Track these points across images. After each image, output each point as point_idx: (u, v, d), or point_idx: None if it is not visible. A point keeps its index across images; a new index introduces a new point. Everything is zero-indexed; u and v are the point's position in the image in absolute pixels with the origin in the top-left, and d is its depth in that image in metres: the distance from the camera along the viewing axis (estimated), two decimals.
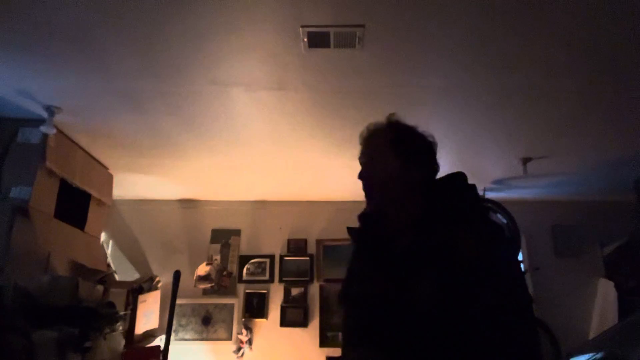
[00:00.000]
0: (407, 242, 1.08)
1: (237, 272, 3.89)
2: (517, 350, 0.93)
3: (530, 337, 0.97)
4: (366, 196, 1.20)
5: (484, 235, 1.04)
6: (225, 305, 3.79)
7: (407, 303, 1.01)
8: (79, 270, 2.78)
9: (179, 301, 3.03)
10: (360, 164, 1.22)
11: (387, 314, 1.05)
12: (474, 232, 1.03)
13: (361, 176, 1.20)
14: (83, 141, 2.82)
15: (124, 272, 3.70)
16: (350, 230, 1.22)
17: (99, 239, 3.23)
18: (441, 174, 1.21)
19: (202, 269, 3.66)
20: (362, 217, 1.23)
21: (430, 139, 1.20)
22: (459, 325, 0.94)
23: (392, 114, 1.23)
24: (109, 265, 3.40)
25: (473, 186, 1.15)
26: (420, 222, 1.10)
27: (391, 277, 1.09)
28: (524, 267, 3.73)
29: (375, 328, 1.07)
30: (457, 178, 1.16)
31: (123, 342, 2.88)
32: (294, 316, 3.74)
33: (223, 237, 3.99)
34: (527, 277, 3.76)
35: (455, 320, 0.94)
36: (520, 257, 3.67)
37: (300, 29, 1.75)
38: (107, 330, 2.55)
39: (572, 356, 2.72)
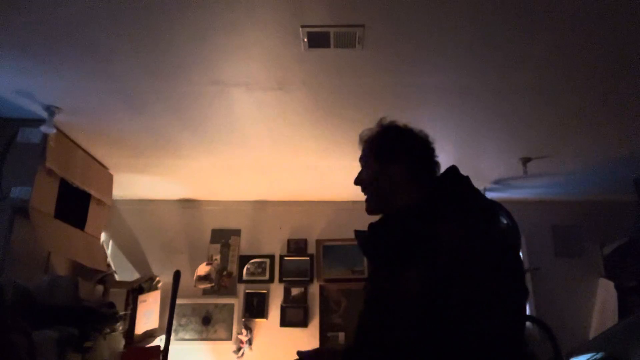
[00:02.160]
0: (392, 234, 1.12)
1: (237, 272, 3.89)
2: (491, 346, 0.92)
3: (507, 334, 0.94)
4: (365, 200, 1.27)
5: (473, 230, 1.02)
6: (225, 305, 3.79)
7: (393, 298, 1.03)
8: (79, 270, 2.78)
9: (179, 301, 3.03)
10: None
11: (376, 309, 1.09)
12: (463, 226, 1.02)
13: (356, 182, 1.29)
14: (83, 141, 2.82)
15: (124, 272, 3.70)
16: (356, 232, 1.26)
17: (99, 239, 3.23)
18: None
19: (202, 269, 3.66)
20: (370, 224, 1.26)
21: (423, 136, 1.27)
22: (443, 316, 0.94)
23: (382, 118, 1.31)
24: (109, 265, 3.40)
25: (467, 178, 1.17)
26: (409, 213, 1.12)
27: (379, 269, 1.13)
28: (524, 267, 3.73)
29: (366, 324, 1.11)
30: (450, 172, 1.20)
31: (123, 342, 2.88)
32: (294, 316, 3.74)
33: (223, 237, 3.99)
34: (527, 276, 3.76)
35: (439, 315, 0.94)
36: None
37: (300, 29, 1.75)
38: (107, 330, 2.55)
39: (572, 356, 2.73)
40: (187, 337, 3.70)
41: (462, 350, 0.92)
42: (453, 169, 1.20)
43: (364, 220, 1.25)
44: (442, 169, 1.23)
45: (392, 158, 1.22)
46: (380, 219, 1.23)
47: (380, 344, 1.03)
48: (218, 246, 3.96)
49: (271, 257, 3.93)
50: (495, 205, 1.15)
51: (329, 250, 3.90)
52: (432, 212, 1.08)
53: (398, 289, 1.02)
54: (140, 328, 3.21)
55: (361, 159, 1.30)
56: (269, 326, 3.73)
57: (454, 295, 0.94)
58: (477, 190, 1.15)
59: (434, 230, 1.02)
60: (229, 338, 3.69)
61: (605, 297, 3.62)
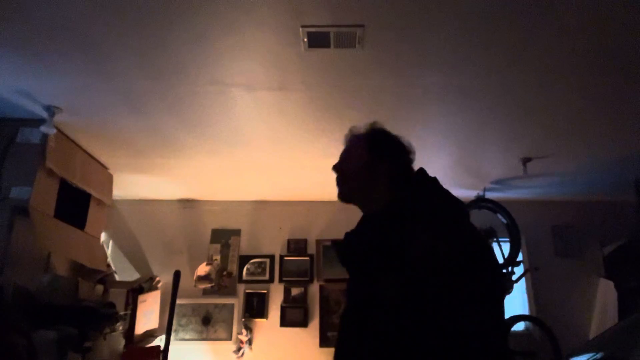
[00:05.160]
0: (367, 239, 1.14)
1: (237, 272, 3.89)
2: (470, 347, 0.92)
3: (485, 333, 0.95)
4: (337, 185, 1.29)
5: (442, 231, 1.04)
6: (225, 305, 3.79)
7: (370, 301, 1.05)
8: (79, 270, 2.78)
9: (179, 301, 3.03)
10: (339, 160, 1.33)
11: (354, 312, 1.11)
12: (432, 228, 1.04)
13: (335, 167, 1.32)
14: (83, 141, 2.82)
15: (124, 272, 3.70)
16: (333, 243, 1.28)
17: (99, 239, 3.23)
18: (440, 174, 1.23)
19: (202, 269, 3.67)
20: (347, 233, 1.29)
21: (406, 144, 1.29)
22: (420, 321, 0.95)
23: (374, 122, 1.34)
24: (109, 265, 3.40)
25: (435, 180, 1.20)
26: (380, 216, 1.15)
27: (356, 277, 1.15)
28: (524, 267, 3.73)
29: (346, 328, 1.13)
30: (419, 175, 1.22)
31: (123, 342, 2.88)
32: (294, 316, 3.74)
33: (223, 237, 3.99)
34: (527, 276, 3.76)
35: (416, 317, 0.95)
36: (520, 257, 3.66)
37: (300, 29, 1.75)
38: (107, 330, 2.55)
39: (572, 356, 2.72)
40: (187, 337, 3.70)
41: (443, 350, 0.93)
42: (421, 172, 1.22)
43: None
44: (441, 170, 1.25)
45: (382, 154, 1.24)
46: (356, 227, 1.25)
47: (363, 349, 1.04)
48: (218, 246, 3.96)
49: (271, 257, 3.93)
50: (464, 205, 1.17)
51: (329, 250, 3.90)
52: (405, 215, 1.10)
53: (377, 294, 1.03)
54: (140, 328, 3.21)
55: (347, 150, 1.32)
56: (269, 326, 3.73)
57: (431, 297, 0.95)
58: (446, 192, 1.17)
59: (408, 234, 1.04)
60: (229, 338, 3.69)
61: (605, 297, 3.62)
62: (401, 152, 1.27)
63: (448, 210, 1.13)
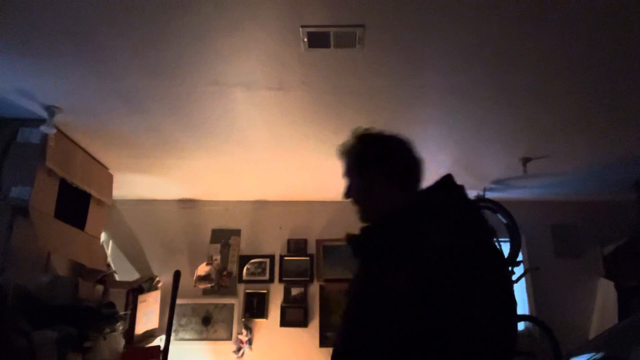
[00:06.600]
0: (380, 236, 1.15)
1: (237, 272, 3.89)
2: (480, 342, 0.93)
3: (495, 329, 0.96)
4: (357, 212, 1.31)
5: (456, 229, 1.05)
6: (225, 305, 3.79)
7: (382, 297, 1.05)
8: (79, 270, 2.78)
9: (179, 301, 3.03)
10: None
11: (363, 310, 1.10)
12: (445, 226, 1.05)
13: (345, 195, 1.34)
14: (83, 141, 2.82)
15: (124, 272, 3.70)
16: (347, 236, 1.30)
17: (99, 239, 3.23)
18: (440, 174, 1.23)
19: (202, 269, 3.67)
20: (362, 228, 1.30)
21: (398, 140, 1.29)
22: (432, 317, 0.95)
23: (357, 128, 1.37)
24: (109, 265, 3.40)
25: (461, 187, 1.20)
26: (393, 216, 1.16)
27: (367, 275, 1.15)
28: (524, 267, 3.73)
29: (354, 323, 1.12)
30: (444, 180, 1.22)
31: (123, 342, 2.88)
32: (294, 316, 3.74)
33: (223, 237, 3.99)
34: (527, 276, 3.76)
35: (427, 313, 0.96)
36: (520, 257, 3.66)
37: (300, 29, 1.75)
38: (107, 330, 2.55)
39: (572, 356, 2.72)
40: (187, 337, 3.70)
41: (451, 348, 0.93)
42: (448, 177, 1.22)
43: None
44: (440, 170, 1.25)
45: (371, 169, 1.26)
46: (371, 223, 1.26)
47: (369, 344, 1.04)
48: (218, 246, 3.95)
49: (271, 257, 3.93)
50: (481, 215, 1.18)
51: (329, 250, 3.90)
52: (419, 215, 1.11)
53: (386, 290, 1.04)
54: (140, 328, 3.21)
55: (344, 174, 1.36)
56: (269, 326, 3.73)
57: (442, 294, 0.95)
58: (467, 199, 1.19)
59: (421, 232, 1.04)
60: (229, 338, 3.69)
61: (605, 297, 3.62)
62: (389, 156, 1.27)
63: (464, 213, 1.14)
